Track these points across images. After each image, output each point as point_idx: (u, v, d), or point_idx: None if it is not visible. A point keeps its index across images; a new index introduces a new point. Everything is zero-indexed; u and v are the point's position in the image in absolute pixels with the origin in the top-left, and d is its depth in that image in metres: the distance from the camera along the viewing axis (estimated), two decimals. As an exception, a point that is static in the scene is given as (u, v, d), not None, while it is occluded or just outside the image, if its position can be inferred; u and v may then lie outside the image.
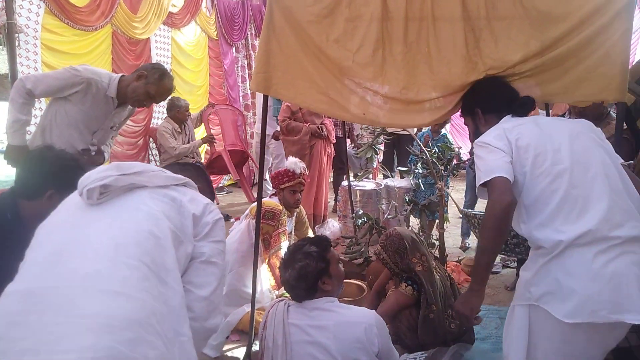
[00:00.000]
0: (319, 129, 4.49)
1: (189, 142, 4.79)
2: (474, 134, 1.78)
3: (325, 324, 1.67)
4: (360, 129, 4.98)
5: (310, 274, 1.74)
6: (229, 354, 2.46)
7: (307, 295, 1.75)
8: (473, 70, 1.85)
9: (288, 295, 2.77)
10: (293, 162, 3.00)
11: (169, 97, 4.60)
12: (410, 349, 2.31)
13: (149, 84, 2.51)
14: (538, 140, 1.50)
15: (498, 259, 4.09)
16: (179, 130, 4.81)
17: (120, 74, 2.63)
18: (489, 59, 1.83)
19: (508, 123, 1.62)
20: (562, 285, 1.34)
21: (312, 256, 1.77)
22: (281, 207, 2.90)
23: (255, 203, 2.89)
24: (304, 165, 3.09)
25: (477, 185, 1.53)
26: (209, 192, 1.66)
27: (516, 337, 1.45)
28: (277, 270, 2.90)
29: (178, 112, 4.59)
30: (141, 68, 2.61)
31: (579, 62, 1.78)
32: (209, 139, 5.05)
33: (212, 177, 5.37)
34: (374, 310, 1.78)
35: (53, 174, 1.69)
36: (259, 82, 2.03)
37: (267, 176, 5.23)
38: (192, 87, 5.77)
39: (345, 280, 2.17)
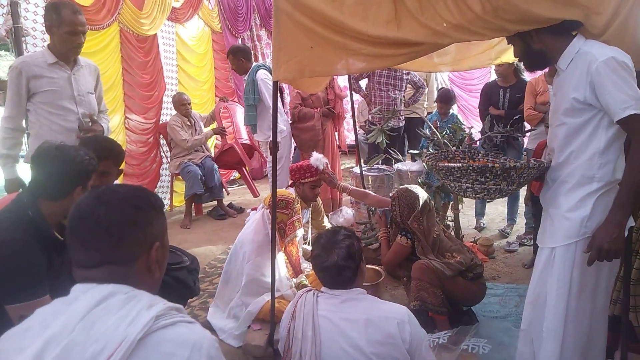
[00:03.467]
0: (329, 110, 4.53)
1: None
2: (524, 54, 1.77)
3: (356, 317, 1.62)
4: (369, 114, 4.96)
5: (357, 252, 1.72)
6: (251, 343, 2.50)
7: (352, 278, 1.70)
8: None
9: (306, 283, 2.83)
10: (317, 159, 2.98)
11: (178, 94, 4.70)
12: (435, 305, 2.41)
13: (59, 26, 2.51)
14: None
15: (514, 237, 4.08)
16: (188, 123, 4.86)
17: (47, 43, 2.66)
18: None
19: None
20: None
21: (353, 236, 1.76)
22: (294, 196, 2.90)
23: (269, 193, 2.92)
24: (327, 162, 3.09)
25: (625, 111, 1.48)
26: None
27: (560, 274, 1.69)
28: (293, 258, 2.94)
29: (181, 106, 4.79)
30: (44, 21, 2.62)
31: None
32: (220, 131, 5.08)
33: (221, 172, 5.42)
34: (405, 307, 1.73)
35: (78, 172, 1.74)
36: (280, 73, 2.01)
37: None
38: (197, 83, 5.78)
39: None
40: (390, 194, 2.84)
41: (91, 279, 0.90)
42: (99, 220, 0.91)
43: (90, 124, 2.70)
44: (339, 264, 1.66)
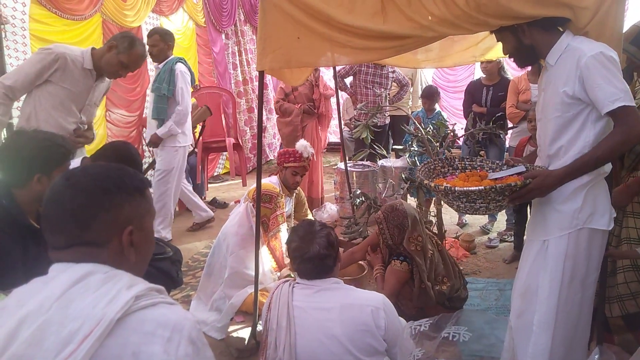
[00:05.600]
0: (309, 107, 4.53)
1: None
2: (515, 49, 1.78)
3: (330, 306, 1.63)
4: (355, 110, 4.98)
5: (336, 240, 1.75)
6: (234, 334, 2.49)
7: (333, 267, 1.72)
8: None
9: (293, 276, 2.83)
10: (303, 146, 3.01)
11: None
12: (408, 316, 2.37)
13: (120, 53, 2.53)
14: None
15: (495, 234, 4.14)
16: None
17: (90, 47, 2.64)
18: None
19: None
20: (599, 203, 1.69)
21: (327, 227, 1.79)
22: (278, 190, 2.91)
23: (253, 186, 2.92)
24: (313, 152, 3.11)
25: (614, 104, 1.52)
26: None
27: (553, 266, 1.72)
28: (277, 253, 2.94)
29: None
30: (111, 39, 2.63)
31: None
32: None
33: (208, 166, 5.36)
34: (381, 294, 1.75)
35: (33, 158, 1.68)
36: (265, 63, 2.00)
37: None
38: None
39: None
40: (375, 216, 2.60)
41: (64, 260, 0.88)
42: (64, 204, 0.89)
43: (85, 128, 2.71)
44: (321, 252, 1.67)
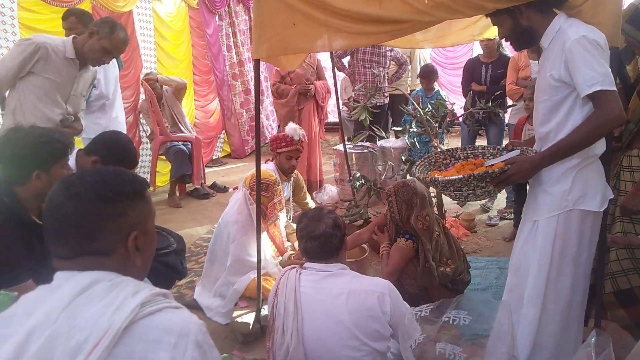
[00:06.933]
0: (305, 87, 4.49)
1: (171, 117, 4.76)
2: (512, 32, 1.74)
3: (337, 292, 1.66)
4: (353, 91, 4.94)
5: (343, 224, 1.80)
6: (238, 320, 2.53)
7: (338, 248, 1.76)
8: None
9: (294, 254, 2.86)
10: (292, 129, 2.99)
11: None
12: (410, 294, 2.45)
13: (102, 39, 2.49)
14: None
15: (495, 212, 4.17)
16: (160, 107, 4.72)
17: (72, 35, 2.60)
18: None
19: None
20: (591, 186, 1.70)
21: (334, 212, 1.85)
22: (275, 177, 2.89)
23: (250, 173, 2.92)
24: (304, 133, 3.09)
25: (591, 87, 1.53)
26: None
27: (542, 245, 1.75)
28: (277, 240, 2.97)
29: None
30: (91, 25, 2.58)
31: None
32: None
33: (203, 151, 5.29)
34: (387, 280, 1.78)
35: (30, 155, 1.68)
36: (262, 51, 1.98)
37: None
38: (175, 61, 5.64)
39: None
40: (386, 189, 2.67)
41: (69, 268, 0.88)
42: (67, 216, 0.88)
43: (72, 119, 2.67)
44: (327, 231, 1.72)
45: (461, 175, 1.72)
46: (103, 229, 0.89)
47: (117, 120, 3.55)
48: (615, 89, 1.57)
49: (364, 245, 3.03)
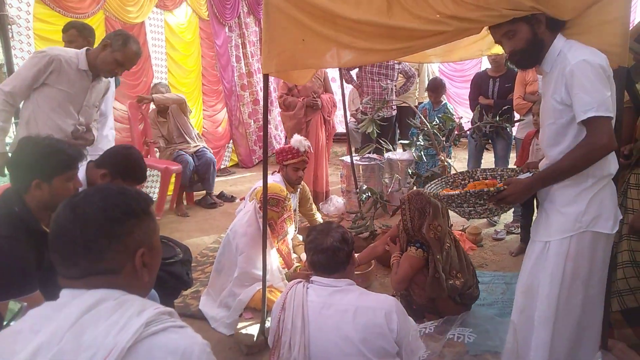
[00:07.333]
0: (313, 100, 4.52)
1: (176, 128, 4.79)
2: (528, 43, 1.70)
3: (345, 308, 1.66)
4: (361, 103, 4.96)
5: (351, 239, 1.81)
6: (243, 331, 2.53)
7: (345, 263, 1.76)
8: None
9: (300, 266, 2.86)
10: (298, 140, 3.01)
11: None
12: (419, 305, 2.45)
13: (115, 51, 2.53)
14: None
15: (502, 226, 4.14)
16: (164, 118, 4.76)
17: (85, 47, 2.65)
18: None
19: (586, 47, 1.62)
20: (605, 207, 1.69)
21: (343, 227, 1.86)
22: (285, 193, 2.89)
23: (259, 186, 2.93)
24: (309, 144, 3.11)
25: (586, 113, 1.53)
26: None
27: (554, 267, 1.73)
28: (285, 254, 2.97)
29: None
30: (105, 37, 2.63)
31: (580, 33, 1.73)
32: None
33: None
34: (393, 297, 1.77)
35: (32, 163, 1.71)
36: (271, 66, 2.02)
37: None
38: (185, 71, 5.71)
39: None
40: (400, 198, 2.73)
41: (77, 287, 0.90)
42: (75, 238, 0.89)
43: (84, 130, 2.72)
44: (334, 245, 1.73)
45: (458, 192, 1.76)
46: (111, 249, 0.90)
47: (107, 139, 3.41)
48: (611, 115, 1.56)
49: (370, 258, 3.03)
